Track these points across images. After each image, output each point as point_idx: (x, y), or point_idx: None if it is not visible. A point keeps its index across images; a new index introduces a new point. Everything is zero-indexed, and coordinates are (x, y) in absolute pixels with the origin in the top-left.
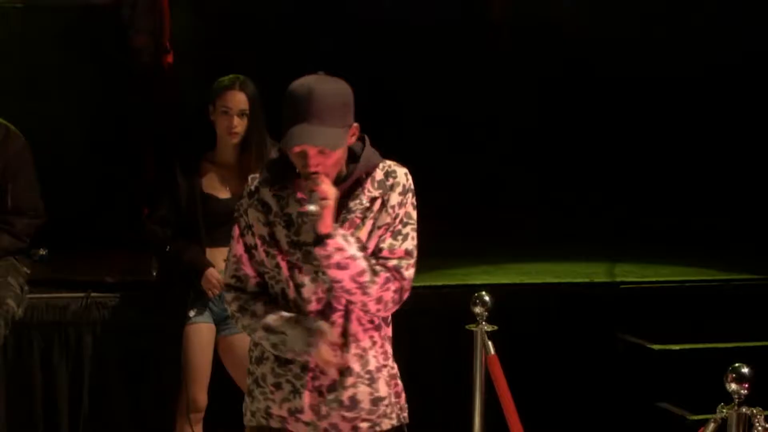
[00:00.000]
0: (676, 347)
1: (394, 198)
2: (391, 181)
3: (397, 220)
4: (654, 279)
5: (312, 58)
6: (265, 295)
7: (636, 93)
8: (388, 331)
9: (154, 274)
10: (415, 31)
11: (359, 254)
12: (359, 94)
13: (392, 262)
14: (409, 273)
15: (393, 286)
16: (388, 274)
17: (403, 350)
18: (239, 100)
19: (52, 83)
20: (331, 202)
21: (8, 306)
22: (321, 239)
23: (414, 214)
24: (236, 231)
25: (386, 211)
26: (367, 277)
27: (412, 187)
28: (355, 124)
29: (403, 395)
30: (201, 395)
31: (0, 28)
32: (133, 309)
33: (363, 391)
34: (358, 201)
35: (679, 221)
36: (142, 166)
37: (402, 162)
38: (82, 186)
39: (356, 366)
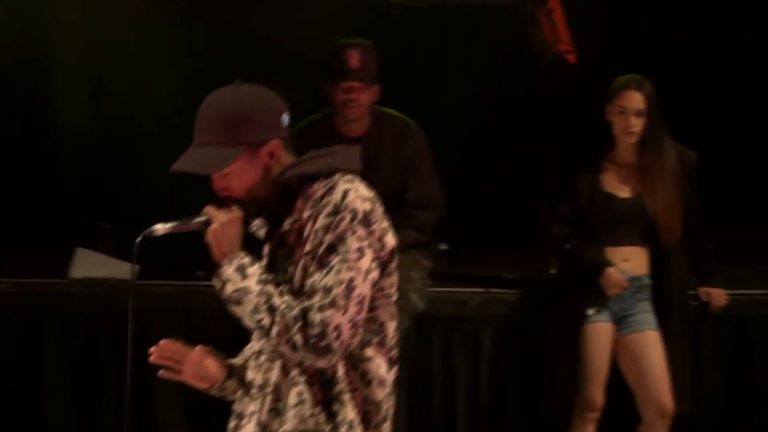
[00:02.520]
0: None
1: (321, 220)
2: (326, 199)
3: (322, 248)
4: None
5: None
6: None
7: None
8: (356, 393)
9: (553, 271)
10: None
11: (255, 288)
12: None
13: (307, 302)
14: (322, 316)
15: (308, 331)
16: (294, 314)
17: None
18: (636, 99)
19: (455, 80)
20: (216, 227)
21: (411, 299)
22: (214, 270)
23: (352, 242)
24: None
25: (312, 236)
26: (263, 316)
27: (359, 208)
28: (273, 141)
29: None
30: (598, 395)
31: (406, 26)
32: (531, 306)
33: None
34: (279, 226)
35: None
36: (542, 164)
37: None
38: (481, 183)
39: (274, 424)
